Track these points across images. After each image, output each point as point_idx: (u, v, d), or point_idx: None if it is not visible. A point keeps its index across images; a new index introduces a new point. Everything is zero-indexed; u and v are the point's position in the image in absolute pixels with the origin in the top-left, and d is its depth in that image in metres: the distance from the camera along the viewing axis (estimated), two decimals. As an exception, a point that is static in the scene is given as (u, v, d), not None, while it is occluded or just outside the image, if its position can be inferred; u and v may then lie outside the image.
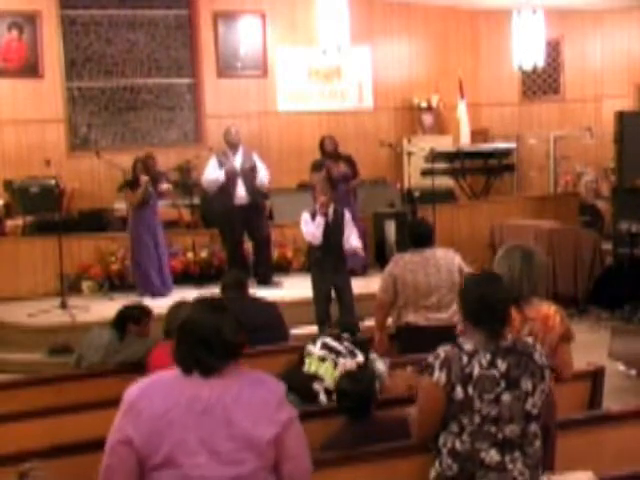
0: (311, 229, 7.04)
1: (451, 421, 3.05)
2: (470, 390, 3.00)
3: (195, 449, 2.44)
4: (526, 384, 3.03)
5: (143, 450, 2.44)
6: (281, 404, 2.56)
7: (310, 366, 4.50)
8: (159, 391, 2.51)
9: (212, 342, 2.52)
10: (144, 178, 8.49)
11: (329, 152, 9.23)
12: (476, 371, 3.00)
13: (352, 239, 7.14)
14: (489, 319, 3.07)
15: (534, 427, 3.07)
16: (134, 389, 2.54)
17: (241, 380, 2.56)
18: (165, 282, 8.61)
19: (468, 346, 3.06)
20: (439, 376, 3.02)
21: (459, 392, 3.00)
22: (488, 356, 3.02)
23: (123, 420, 2.49)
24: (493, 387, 3.00)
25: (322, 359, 4.50)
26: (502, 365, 3.02)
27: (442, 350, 3.08)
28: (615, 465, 3.58)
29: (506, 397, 3.01)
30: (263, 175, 8.90)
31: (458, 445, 3.04)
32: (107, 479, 2.48)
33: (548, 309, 3.80)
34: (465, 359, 3.02)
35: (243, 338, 2.60)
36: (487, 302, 3.08)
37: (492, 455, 3.02)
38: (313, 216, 7.08)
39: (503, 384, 3.01)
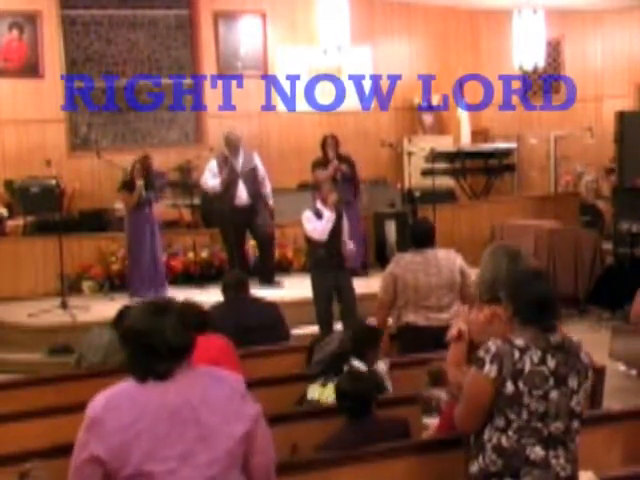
0: (318, 225, 6.97)
1: (497, 416, 3.06)
2: (521, 385, 3.01)
3: (166, 456, 2.40)
4: (572, 382, 3.06)
5: (112, 463, 2.39)
6: (245, 398, 2.54)
7: (313, 394, 4.49)
8: (124, 402, 2.45)
9: (156, 347, 2.46)
10: (139, 183, 8.49)
11: (334, 153, 9.22)
12: (527, 367, 3.02)
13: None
14: (542, 315, 3.08)
15: (576, 424, 3.11)
16: (97, 403, 2.47)
17: (202, 380, 2.53)
18: (158, 285, 8.57)
19: (519, 341, 3.06)
20: (490, 369, 3.02)
21: (509, 387, 3.01)
22: (539, 352, 3.04)
23: (87, 436, 2.43)
24: (543, 383, 3.02)
25: (323, 384, 4.50)
26: (551, 362, 3.04)
27: (493, 344, 3.08)
28: (615, 465, 3.59)
29: (554, 394, 3.03)
30: (269, 195, 9.05)
31: (504, 441, 3.05)
32: None
33: None
34: (517, 354, 3.03)
35: (189, 339, 2.53)
36: (541, 299, 3.09)
37: (537, 451, 3.04)
38: (316, 214, 7.04)
39: (552, 381, 3.03)
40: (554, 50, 12.55)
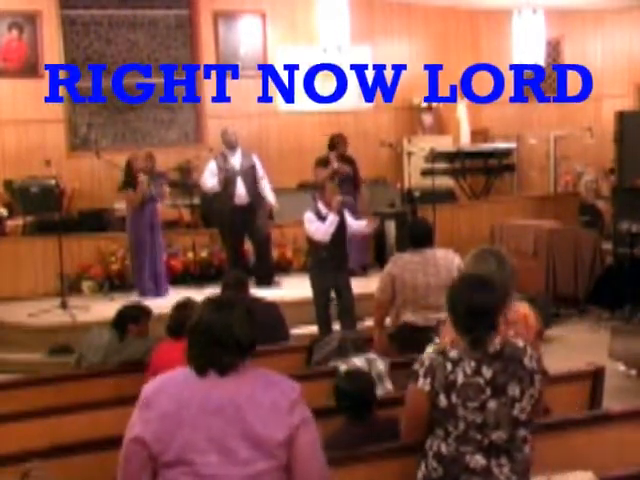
0: (321, 227, 6.95)
1: (437, 426, 3.06)
2: (454, 398, 2.98)
3: (206, 448, 2.46)
4: (513, 390, 3.01)
5: (154, 447, 2.47)
6: (294, 406, 2.56)
7: None
8: (172, 389, 2.53)
9: (224, 341, 2.52)
10: (142, 177, 8.43)
11: (340, 153, 9.24)
12: (460, 379, 2.98)
13: (354, 224, 7.19)
14: (476, 326, 3.03)
15: (522, 432, 3.05)
16: (150, 386, 2.57)
17: (255, 381, 2.56)
18: (159, 284, 8.56)
19: (453, 353, 3.03)
20: (423, 383, 3.02)
21: (442, 400, 2.99)
22: (473, 364, 3.00)
23: (136, 416, 2.53)
24: (478, 395, 2.98)
25: None
26: (487, 372, 3.00)
27: (427, 357, 3.07)
28: (615, 465, 3.58)
29: (492, 404, 2.99)
30: (271, 199, 9.07)
31: (444, 448, 3.04)
32: (122, 472, 2.54)
33: (524, 309, 3.81)
34: (449, 367, 3.00)
35: (255, 334, 2.60)
36: (474, 309, 3.03)
37: (477, 459, 3.00)
38: (317, 215, 7.02)
39: (489, 391, 2.99)
40: (554, 50, 12.55)
